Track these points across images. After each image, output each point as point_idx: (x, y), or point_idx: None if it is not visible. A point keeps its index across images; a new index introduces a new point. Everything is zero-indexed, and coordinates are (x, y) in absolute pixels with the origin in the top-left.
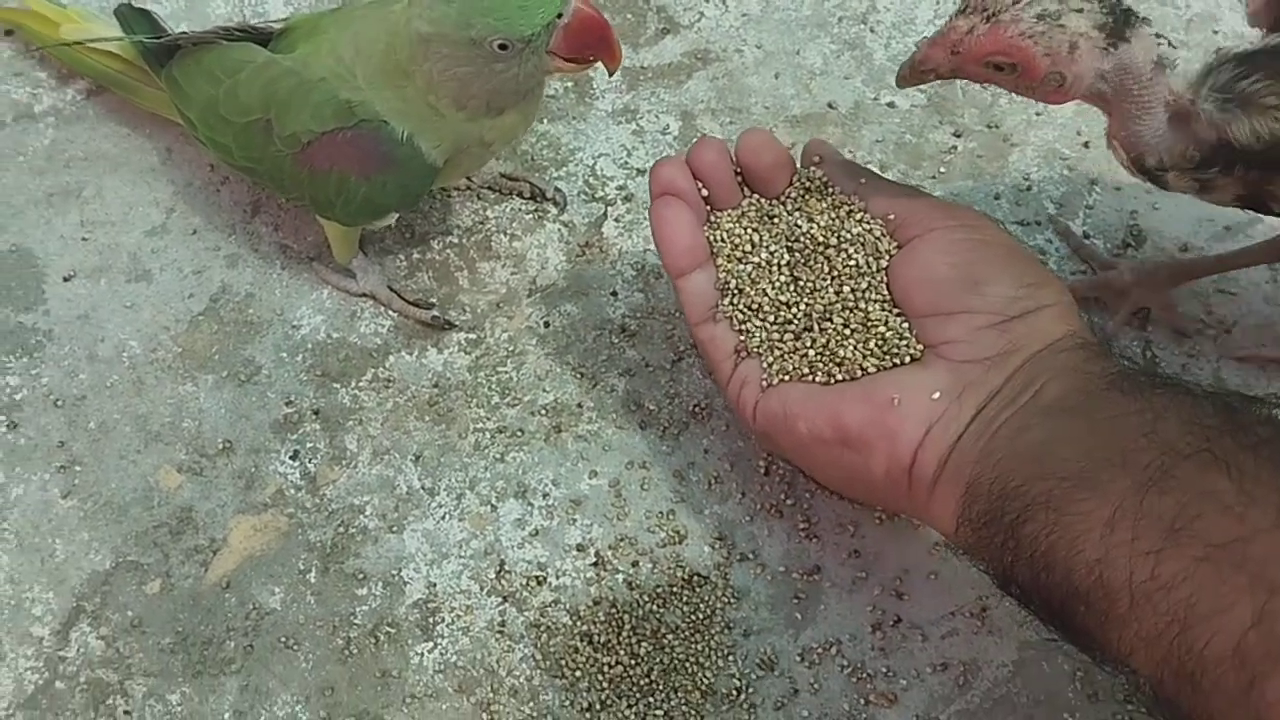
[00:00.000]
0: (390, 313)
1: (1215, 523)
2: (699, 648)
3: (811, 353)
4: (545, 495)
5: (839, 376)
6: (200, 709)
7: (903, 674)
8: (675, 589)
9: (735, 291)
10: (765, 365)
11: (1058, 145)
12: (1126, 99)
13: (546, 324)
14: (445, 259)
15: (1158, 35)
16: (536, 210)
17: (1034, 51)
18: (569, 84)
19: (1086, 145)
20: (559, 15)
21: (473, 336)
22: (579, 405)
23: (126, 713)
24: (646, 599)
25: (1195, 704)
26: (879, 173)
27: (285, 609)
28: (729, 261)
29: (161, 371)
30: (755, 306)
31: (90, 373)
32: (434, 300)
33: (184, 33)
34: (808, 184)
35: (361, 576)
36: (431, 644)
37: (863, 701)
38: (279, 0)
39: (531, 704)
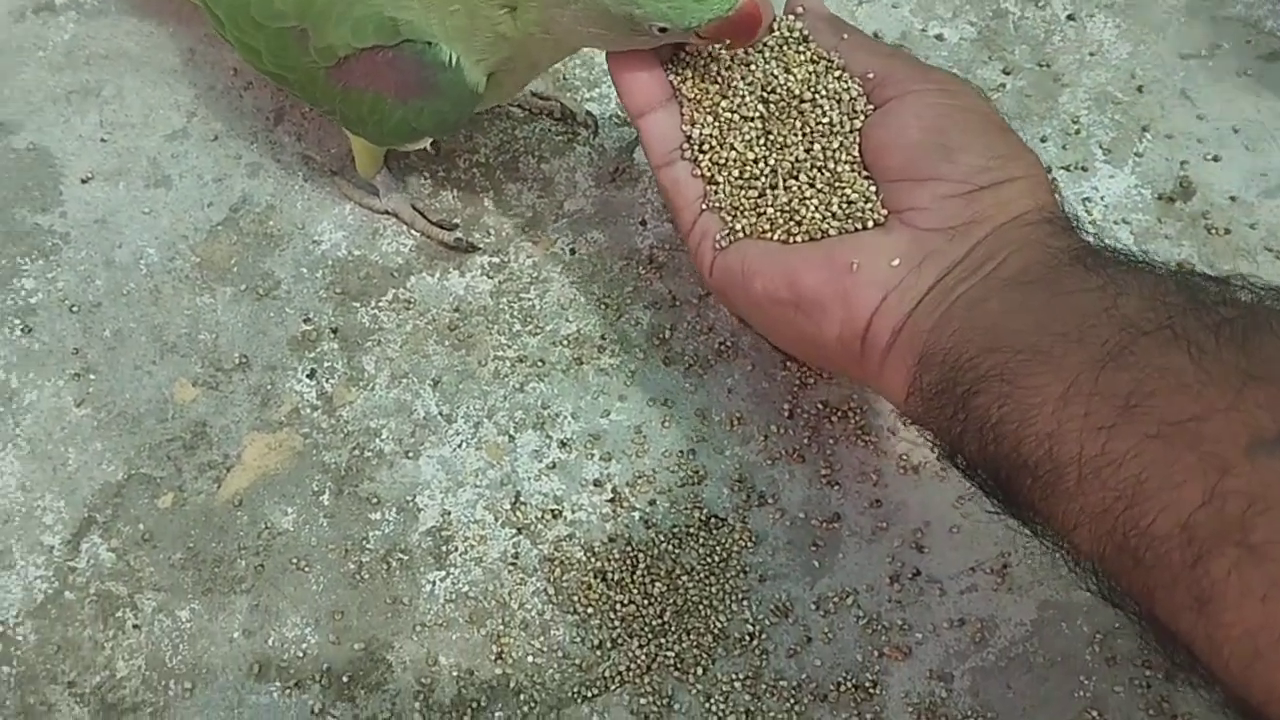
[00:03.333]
0: (413, 232)
1: (1171, 400)
2: (713, 590)
3: (772, 210)
4: (564, 428)
5: (799, 236)
6: (209, 626)
7: (919, 628)
8: (692, 530)
9: (702, 140)
10: (726, 219)
11: (1110, 88)
12: None
13: (572, 251)
14: (471, 179)
15: None
16: (566, 132)
17: None
18: None
19: (1140, 90)
20: (729, 9)
21: (496, 260)
22: (602, 337)
23: (135, 626)
24: (662, 538)
25: (1135, 579)
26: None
27: (297, 530)
28: (698, 110)
29: (179, 281)
30: (722, 160)
31: (106, 279)
32: (458, 221)
33: None
34: (787, 34)
35: (375, 501)
36: (444, 573)
37: (876, 654)
38: None
39: (542, 638)
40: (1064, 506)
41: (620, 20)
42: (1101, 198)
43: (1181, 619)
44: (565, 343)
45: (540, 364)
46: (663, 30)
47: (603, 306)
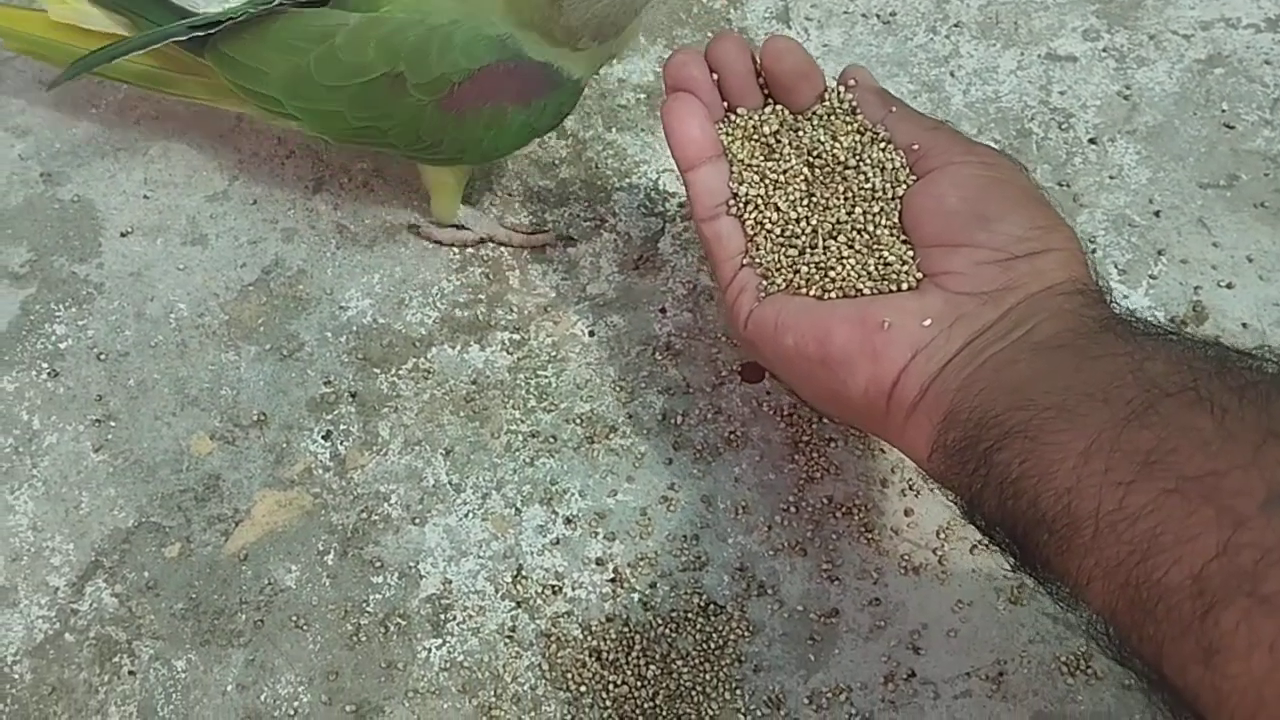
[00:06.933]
0: (438, 306)
1: (1190, 457)
2: (707, 678)
3: (810, 268)
4: (570, 505)
5: (833, 293)
6: (204, 678)
7: None
8: (690, 615)
9: (748, 198)
10: (765, 275)
11: (1128, 211)
12: None
13: (591, 333)
14: (499, 256)
15: None
16: (595, 218)
17: None
18: (642, 95)
19: (1157, 214)
20: None
21: (516, 337)
22: (615, 418)
23: (131, 672)
24: (660, 622)
25: (1145, 633)
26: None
27: (299, 588)
28: (746, 169)
29: (206, 337)
30: (765, 219)
31: (136, 330)
32: (549, 223)
33: (218, 13)
34: (836, 105)
35: (379, 564)
36: (440, 641)
37: None
38: None
39: (533, 713)
40: (1079, 562)
41: None
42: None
43: (1189, 672)
44: (578, 421)
45: (552, 440)
46: None
47: (617, 389)
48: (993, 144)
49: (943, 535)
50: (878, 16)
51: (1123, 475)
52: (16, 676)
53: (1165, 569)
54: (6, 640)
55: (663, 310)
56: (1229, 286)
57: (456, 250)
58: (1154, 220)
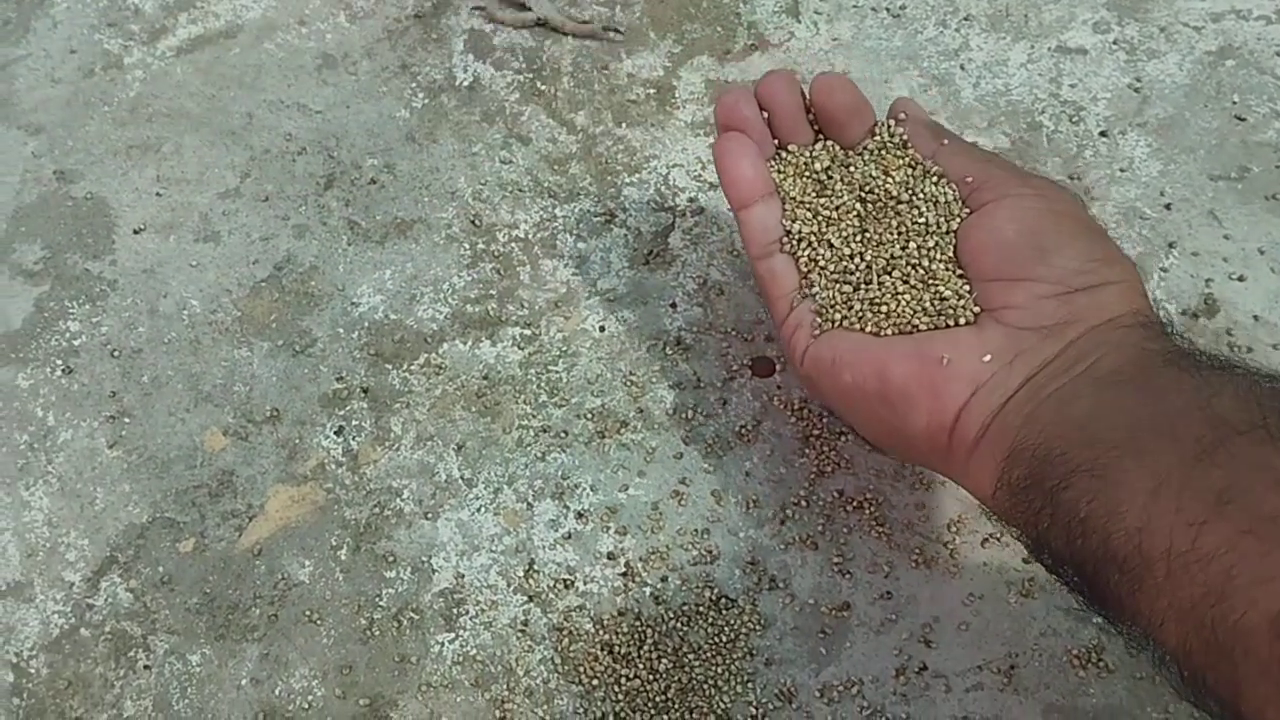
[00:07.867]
0: (449, 301)
1: (1264, 497)
2: (719, 671)
3: (864, 304)
4: (582, 499)
5: (889, 329)
6: (218, 672)
7: None
8: (702, 609)
9: (801, 235)
10: (821, 311)
11: (1139, 204)
12: None
13: (602, 328)
14: (509, 252)
15: None
16: (605, 213)
17: None
18: (651, 90)
19: (1168, 207)
20: None
21: (527, 333)
22: (626, 413)
23: (146, 667)
24: (672, 615)
25: (1222, 674)
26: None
27: (313, 583)
28: (798, 206)
29: (219, 333)
30: (819, 255)
31: (149, 327)
32: (591, 17)
33: None
34: (887, 139)
35: (391, 559)
36: (453, 635)
37: None
38: None
39: (546, 706)
40: (1151, 602)
41: None
42: None
43: (1268, 712)
44: (589, 416)
45: (563, 435)
46: None
47: (628, 384)
48: (1003, 137)
49: (954, 529)
50: (887, 10)
51: (1195, 515)
52: (33, 671)
53: (1242, 611)
54: (23, 635)
55: (673, 305)
56: (1240, 279)
57: (468, 246)
58: (1165, 213)
